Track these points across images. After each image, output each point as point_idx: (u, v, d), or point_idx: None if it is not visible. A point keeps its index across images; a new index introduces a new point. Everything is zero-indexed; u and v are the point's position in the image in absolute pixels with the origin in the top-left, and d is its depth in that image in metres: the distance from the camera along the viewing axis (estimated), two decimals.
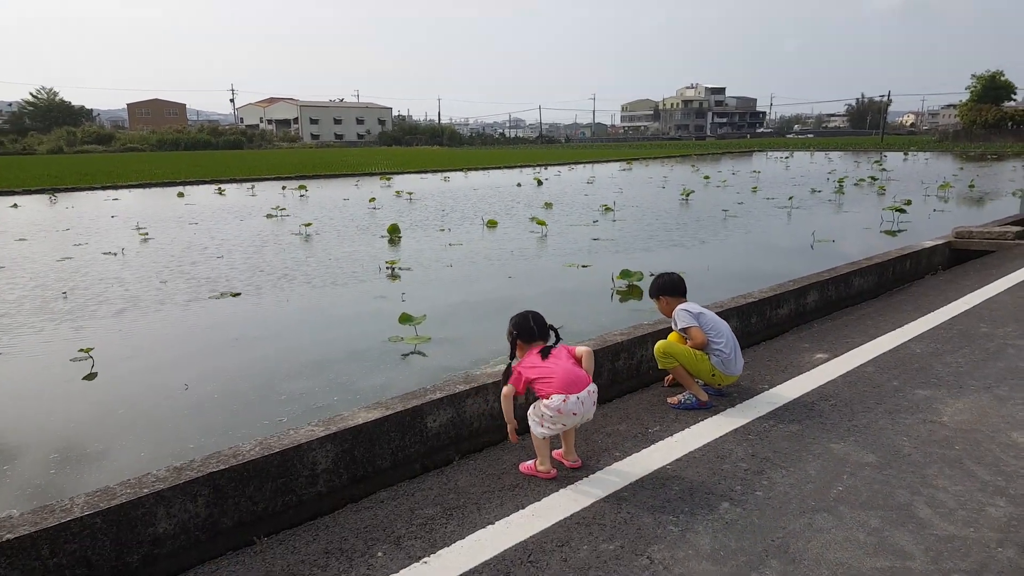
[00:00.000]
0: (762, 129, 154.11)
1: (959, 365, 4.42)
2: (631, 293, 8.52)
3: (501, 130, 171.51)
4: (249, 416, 5.11)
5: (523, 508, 2.87)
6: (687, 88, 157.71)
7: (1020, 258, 8.06)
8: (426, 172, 39.24)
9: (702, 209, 17.86)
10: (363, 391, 5.56)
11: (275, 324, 7.69)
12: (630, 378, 4.60)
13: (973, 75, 77.29)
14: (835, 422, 3.61)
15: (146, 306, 8.30)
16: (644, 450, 3.36)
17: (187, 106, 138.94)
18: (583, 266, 10.30)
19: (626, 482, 3.05)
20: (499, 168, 43.09)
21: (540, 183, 28.84)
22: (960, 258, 8.84)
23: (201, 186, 30.37)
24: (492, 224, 15.45)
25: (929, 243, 8.75)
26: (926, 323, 5.41)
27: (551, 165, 45.37)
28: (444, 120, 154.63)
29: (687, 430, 3.59)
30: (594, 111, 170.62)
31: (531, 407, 3.28)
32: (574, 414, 3.14)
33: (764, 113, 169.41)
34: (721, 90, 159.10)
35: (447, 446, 3.78)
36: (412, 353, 6.47)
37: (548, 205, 19.38)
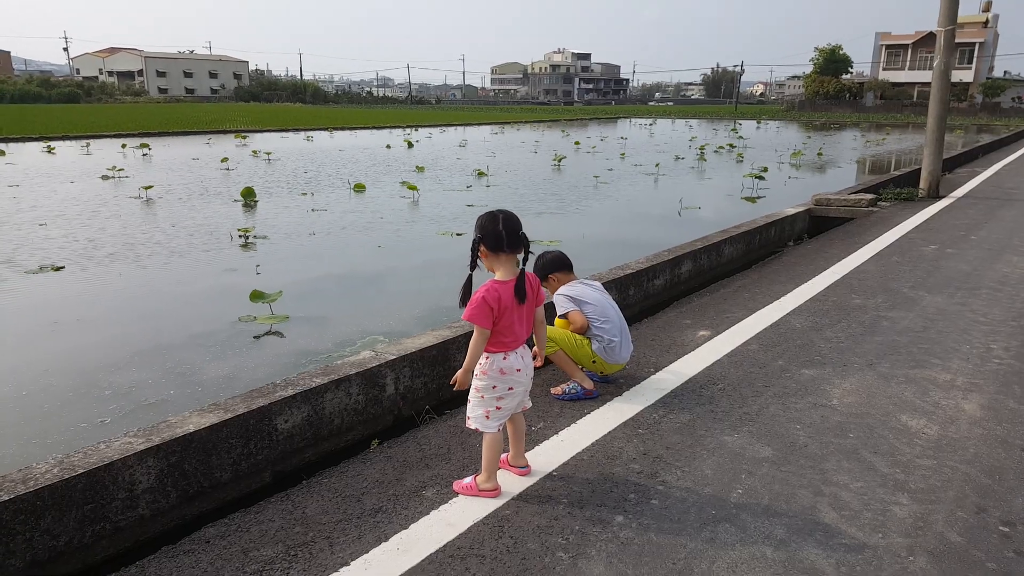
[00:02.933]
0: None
1: (839, 340, 4.36)
2: None
3: (369, 88, 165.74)
4: (63, 418, 4.32)
5: (386, 540, 2.38)
6: (555, 53, 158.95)
7: (877, 225, 8.43)
8: (287, 131, 36.94)
9: (574, 175, 17.81)
10: (206, 382, 4.84)
11: (104, 304, 6.68)
12: None
13: (816, 48, 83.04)
14: (726, 409, 3.38)
15: None
16: (527, 454, 2.95)
17: (12, 54, 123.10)
18: (458, 234, 9.81)
19: (508, 497, 2.63)
20: (367, 128, 41.38)
21: (411, 145, 27.85)
22: (820, 225, 9.16)
23: (27, 143, 26.78)
24: (360, 188, 14.56)
25: (791, 210, 9.00)
26: (801, 295, 5.39)
27: (422, 126, 44.14)
28: (307, 76, 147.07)
29: (573, 426, 3.23)
30: (464, 72, 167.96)
31: (475, 379, 2.62)
32: (517, 371, 2.59)
33: (628, 80, 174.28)
34: (587, 56, 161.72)
35: (302, 449, 3.26)
36: (267, 335, 5.77)
37: (420, 168, 18.63)
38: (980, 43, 73.04)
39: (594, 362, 3.62)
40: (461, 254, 9.11)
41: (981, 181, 13.55)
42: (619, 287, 5.22)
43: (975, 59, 73.60)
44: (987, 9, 77.08)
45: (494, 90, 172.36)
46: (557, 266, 3.79)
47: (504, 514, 2.52)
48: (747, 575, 2.20)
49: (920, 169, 11.50)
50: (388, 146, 27.46)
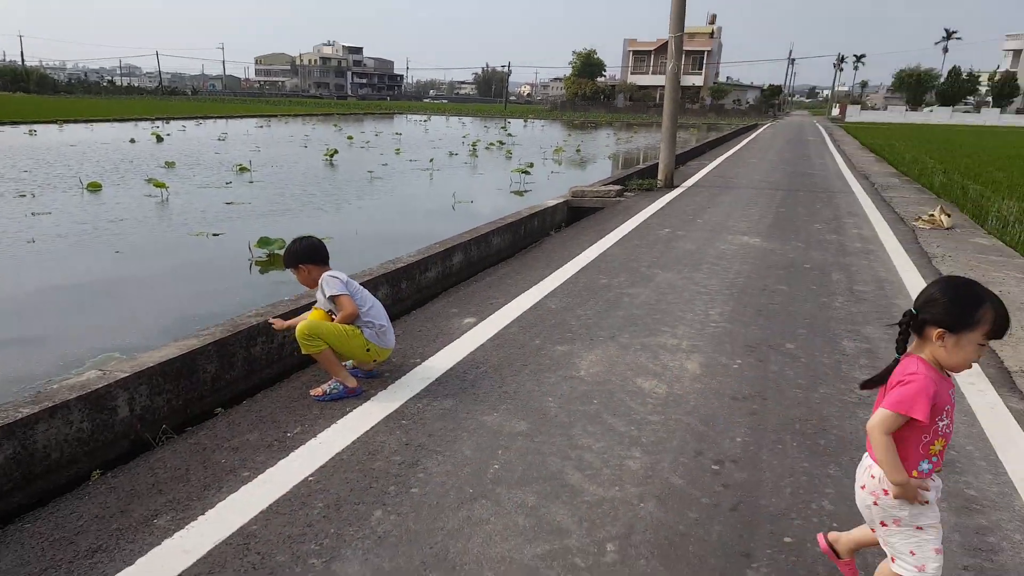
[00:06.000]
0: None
1: (588, 317, 4.70)
2: (272, 263, 7.70)
3: (110, 77, 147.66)
4: None
5: None
6: (325, 45, 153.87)
7: (622, 213, 9.25)
8: (3, 124, 31.62)
9: (348, 170, 17.38)
10: None
11: None
12: (270, 365, 3.96)
13: (574, 52, 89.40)
14: (487, 391, 3.47)
15: None
16: (281, 462, 2.78)
17: None
18: (215, 234, 9.07)
19: (253, 513, 2.44)
20: (107, 121, 36.85)
21: (160, 139, 25.29)
22: (577, 214, 9.85)
23: None
24: (95, 187, 12.89)
25: (552, 202, 9.57)
26: (557, 279, 5.73)
27: (174, 119, 40.32)
28: (31, 63, 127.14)
29: (333, 426, 3.11)
30: (224, 61, 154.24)
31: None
32: None
33: (402, 76, 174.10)
34: (359, 50, 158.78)
35: (10, 492, 2.76)
36: None
37: (170, 164, 16.98)
38: (708, 51, 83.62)
39: (368, 350, 3.49)
40: (218, 255, 8.41)
41: (707, 172, 15.49)
42: (391, 281, 5.15)
43: (704, 66, 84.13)
44: (712, 21, 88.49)
45: (259, 81, 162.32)
46: (309, 256, 3.58)
47: (251, 530, 2.35)
48: (500, 546, 2.26)
49: (658, 163, 12.85)
50: (132, 140, 24.66)
